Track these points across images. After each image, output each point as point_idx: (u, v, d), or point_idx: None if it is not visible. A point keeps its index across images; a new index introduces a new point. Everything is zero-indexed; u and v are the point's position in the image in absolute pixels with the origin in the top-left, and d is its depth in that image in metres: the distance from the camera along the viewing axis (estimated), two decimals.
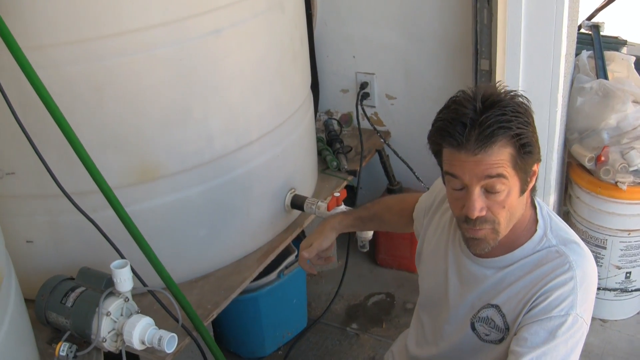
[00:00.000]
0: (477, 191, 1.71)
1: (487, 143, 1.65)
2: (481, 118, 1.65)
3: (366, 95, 3.87)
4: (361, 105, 3.85)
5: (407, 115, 3.83)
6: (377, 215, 2.40)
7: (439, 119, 1.74)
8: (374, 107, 3.92)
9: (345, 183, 3.43)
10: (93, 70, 2.26)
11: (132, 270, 2.25)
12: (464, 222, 1.79)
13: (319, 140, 3.56)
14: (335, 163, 3.49)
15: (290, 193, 2.98)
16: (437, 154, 1.80)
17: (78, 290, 2.32)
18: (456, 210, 1.81)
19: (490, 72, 3.28)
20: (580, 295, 1.77)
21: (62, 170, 2.25)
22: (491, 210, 1.74)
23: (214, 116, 2.56)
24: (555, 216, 1.93)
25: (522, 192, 1.76)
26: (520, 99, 1.73)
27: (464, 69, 3.48)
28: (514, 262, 1.86)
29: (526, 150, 1.69)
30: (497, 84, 1.77)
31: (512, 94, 1.73)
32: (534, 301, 1.79)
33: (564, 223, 1.94)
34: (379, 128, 3.90)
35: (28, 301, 2.28)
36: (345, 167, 3.49)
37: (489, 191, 1.71)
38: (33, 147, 2.15)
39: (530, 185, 1.80)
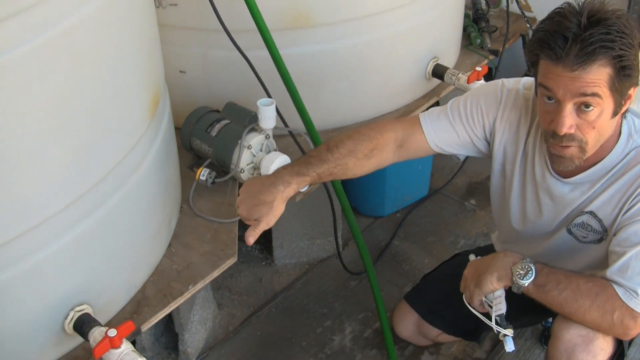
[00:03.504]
0: (568, 107, 1.69)
1: (586, 60, 1.62)
2: (584, 34, 1.62)
3: None
4: None
5: (556, 4, 3.71)
6: (340, 166, 1.98)
7: (540, 29, 1.72)
8: None
9: (486, 61, 3.42)
10: None
11: (277, 110, 2.35)
12: (551, 136, 1.77)
13: (465, 16, 3.52)
14: (479, 40, 3.48)
15: (433, 61, 3.01)
16: (534, 64, 1.77)
17: (223, 122, 2.45)
18: (545, 124, 1.80)
19: None
20: None
21: (221, 5, 2.33)
22: (580, 129, 1.72)
23: None
24: (638, 117, 1.89)
25: (615, 114, 1.73)
26: (627, 19, 1.67)
27: None
28: (604, 174, 1.86)
29: (625, 73, 1.65)
30: (605, 2, 1.71)
31: (619, 13, 1.67)
32: (630, 203, 1.81)
33: None
34: (526, 13, 3.82)
35: (175, 129, 2.42)
36: (489, 45, 3.48)
37: (580, 109, 1.69)
38: None
39: (624, 109, 1.77)
